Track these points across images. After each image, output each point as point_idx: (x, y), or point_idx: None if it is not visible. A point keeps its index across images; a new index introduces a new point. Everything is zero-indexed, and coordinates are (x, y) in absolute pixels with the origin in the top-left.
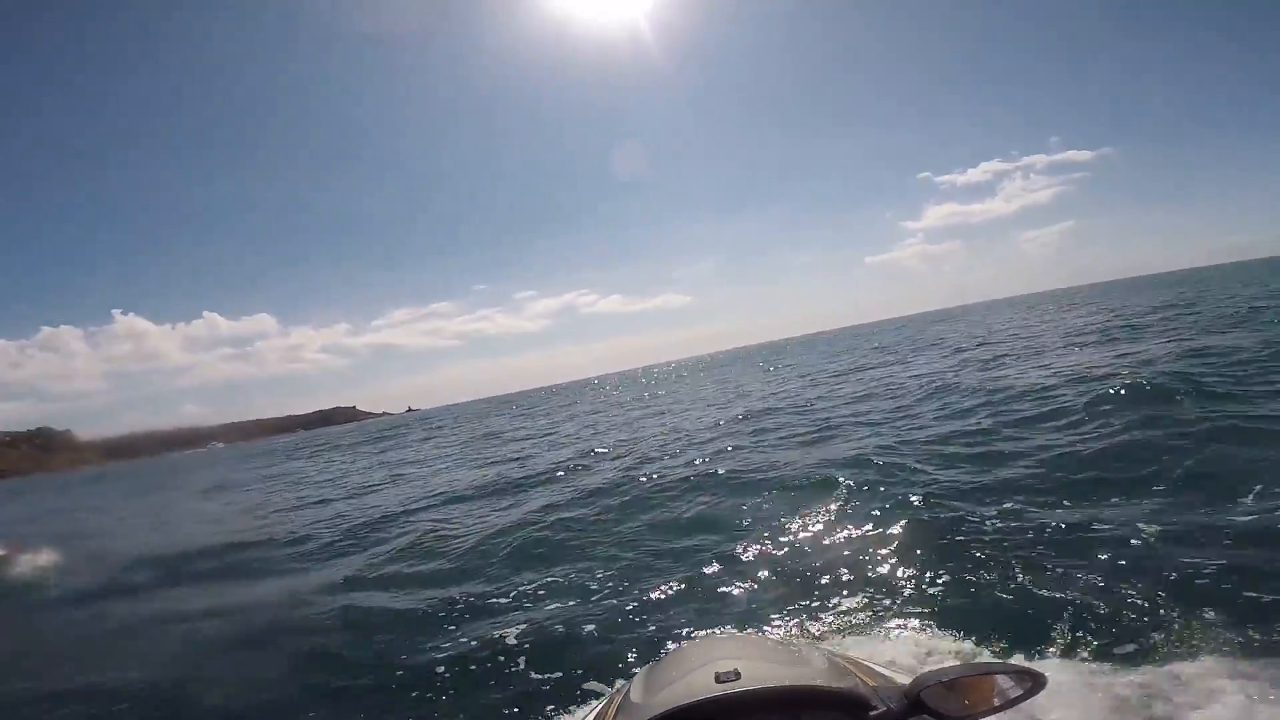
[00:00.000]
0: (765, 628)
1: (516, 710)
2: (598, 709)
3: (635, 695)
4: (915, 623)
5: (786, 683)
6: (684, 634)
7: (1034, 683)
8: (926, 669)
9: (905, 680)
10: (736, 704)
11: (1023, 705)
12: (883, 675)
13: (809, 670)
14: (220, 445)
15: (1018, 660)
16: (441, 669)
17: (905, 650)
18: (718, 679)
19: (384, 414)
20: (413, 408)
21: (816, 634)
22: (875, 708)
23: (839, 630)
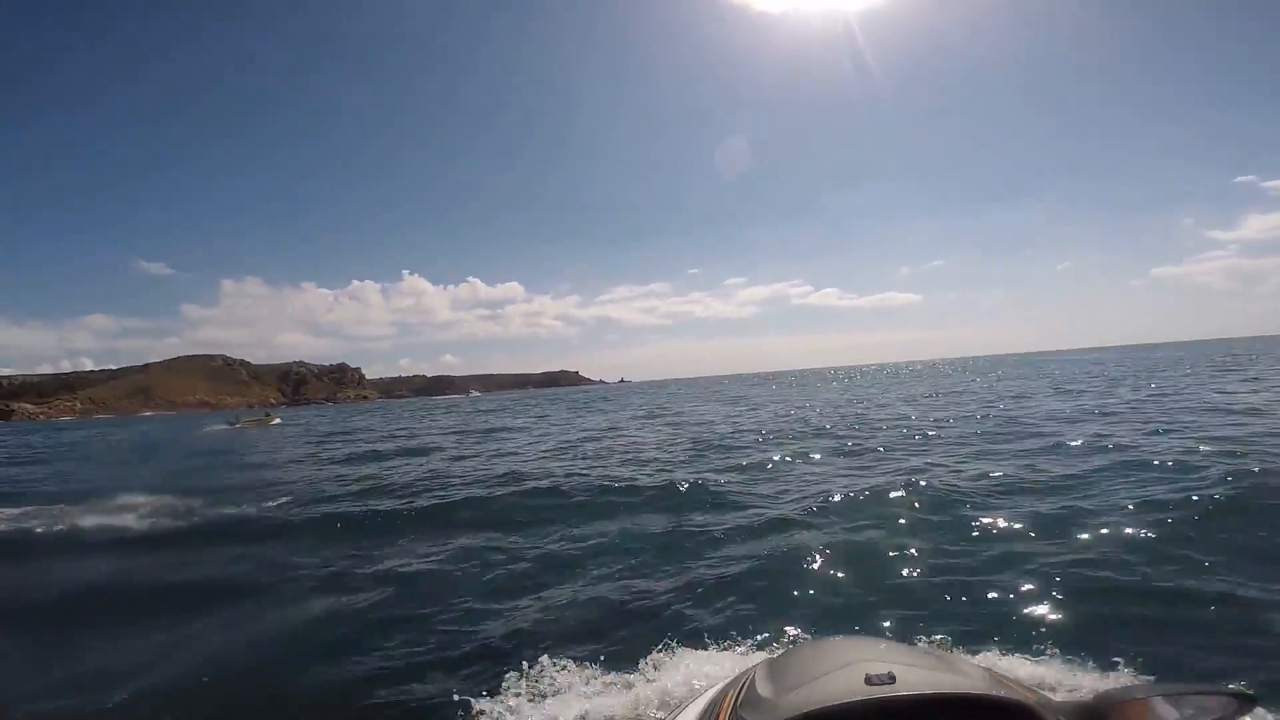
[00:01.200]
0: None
1: None
2: (710, 696)
3: (764, 689)
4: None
5: (948, 689)
6: (802, 634)
7: (1242, 703)
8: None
9: (1076, 700)
10: (895, 707)
11: None
12: (1045, 695)
13: (968, 680)
14: (476, 393)
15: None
16: None
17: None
18: (869, 680)
19: (600, 381)
20: (625, 379)
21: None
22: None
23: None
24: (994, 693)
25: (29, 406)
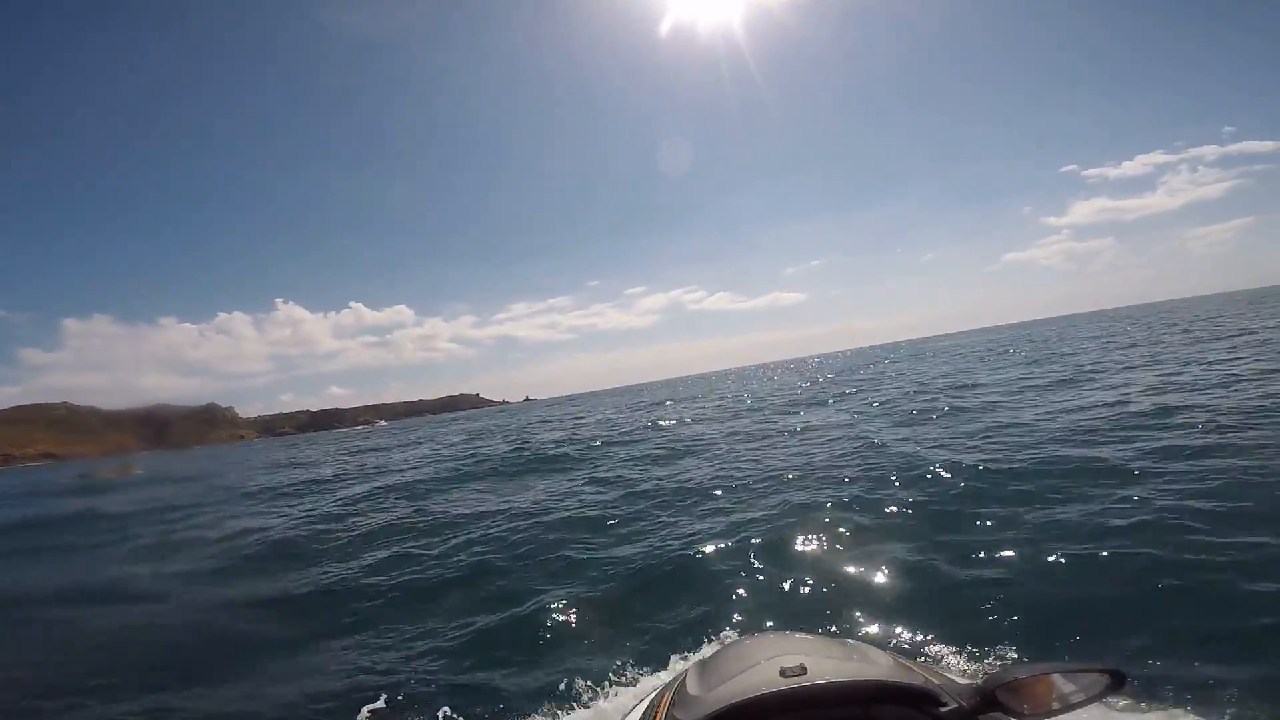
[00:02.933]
0: (823, 629)
1: None
2: (649, 700)
3: (692, 688)
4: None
5: (854, 678)
6: (735, 632)
7: (1112, 680)
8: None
9: (969, 683)
10: (804, 698)
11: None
12: (946, 676)
13: (874, 668)
14: (384, 423)
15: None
16: None
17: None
18: (783, 673)
19: (504, 402)
20: (530, 398)
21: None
22: (945, 703)
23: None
24: (897, 679)
25: None
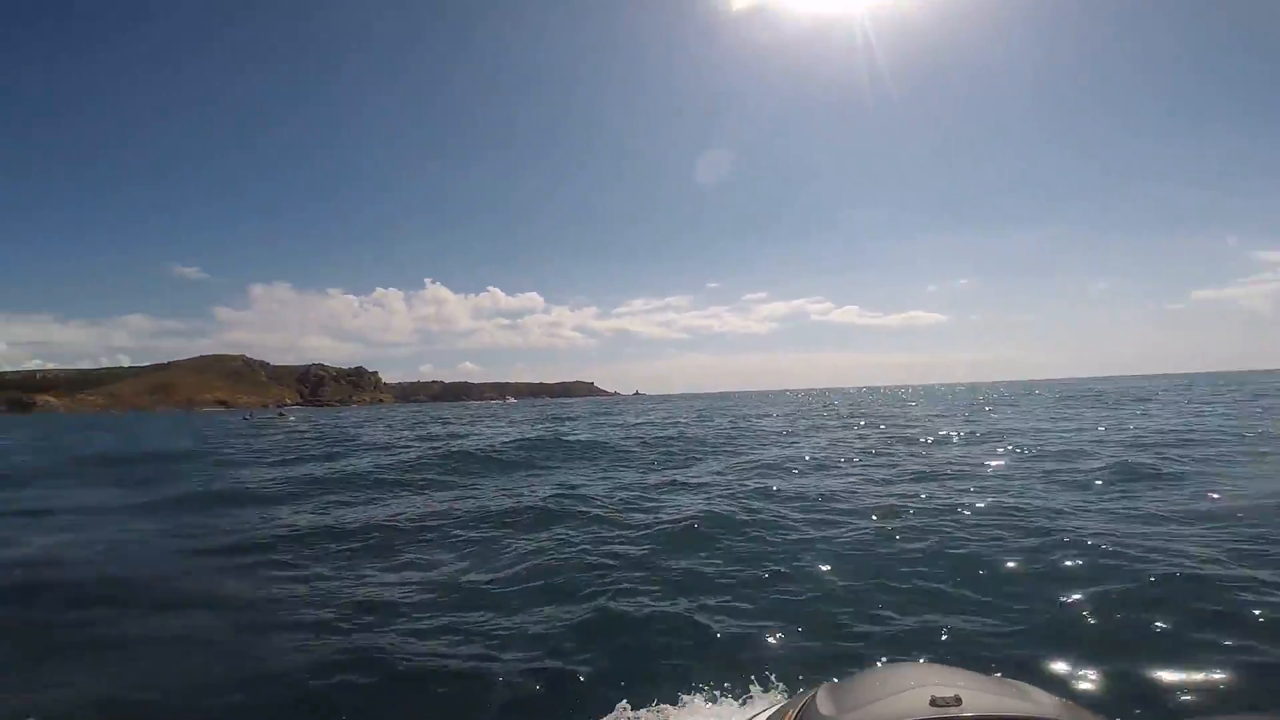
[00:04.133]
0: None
1: None
2: (766, 714)
3: (824, 708)
4: None
5: (1016, 713)
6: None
7: None
8: None
9: None
10: None
11: None
12: None
13: (1039, 707)
14: (513, 400)
15: None
16: None
17: None
18: (934, 702)
19: (615, 393)
20: (640, 391)
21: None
22: None
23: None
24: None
25: (52, 400)
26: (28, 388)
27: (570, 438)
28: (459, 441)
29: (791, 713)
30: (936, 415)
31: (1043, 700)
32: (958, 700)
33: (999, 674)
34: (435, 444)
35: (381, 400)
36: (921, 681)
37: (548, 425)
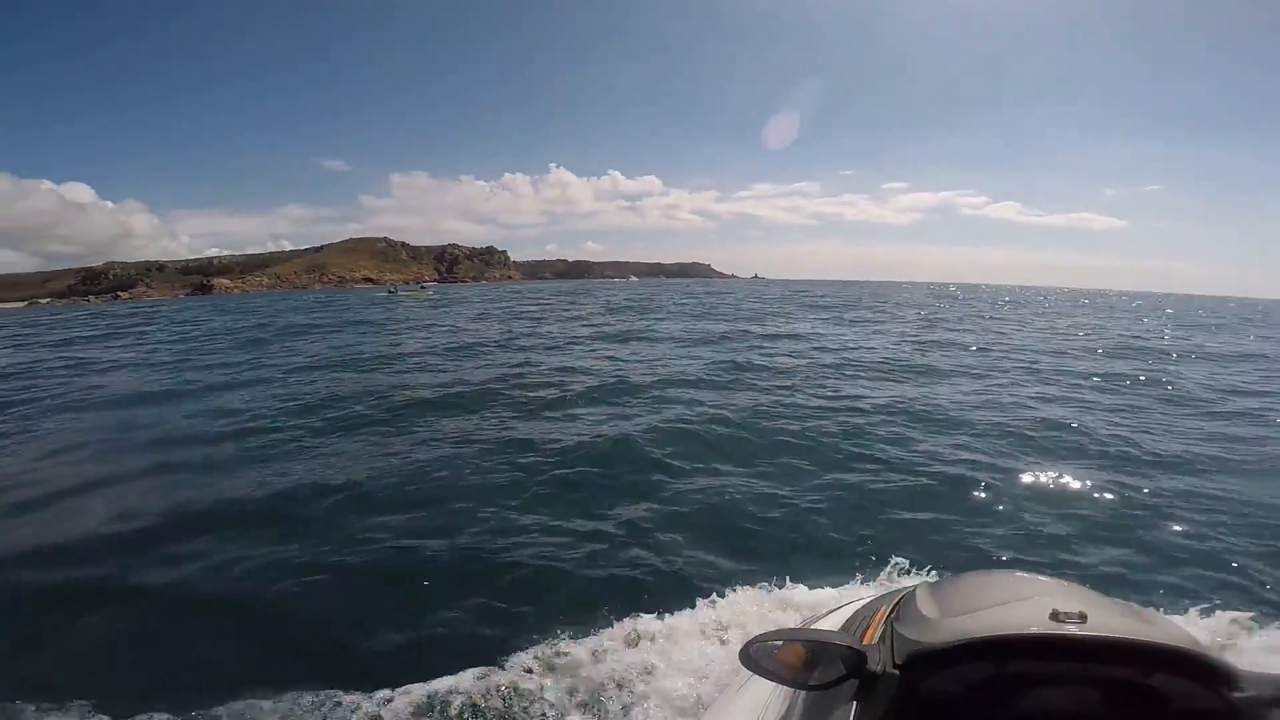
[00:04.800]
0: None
1: None
2: (855, 609)
3: (926, 608)
4: None
5: (1149, 638)
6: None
7: None
8: None
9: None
10: (1081, 648)
11: None
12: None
13: (1160, 631)
14: (635, 279)
15: None
16: None
17: None
18: (1055, 616)
19: (733, 276)
20: (759, 275)
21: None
22: (1244, 689)
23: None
24: (1202, 651)
25: (226, 282)
26: (207, 272)
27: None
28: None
29: (886, 608)
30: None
31: (1168, 627)
32: (1083, 617)
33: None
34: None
35: (510, 277)
36: (1034, 593)
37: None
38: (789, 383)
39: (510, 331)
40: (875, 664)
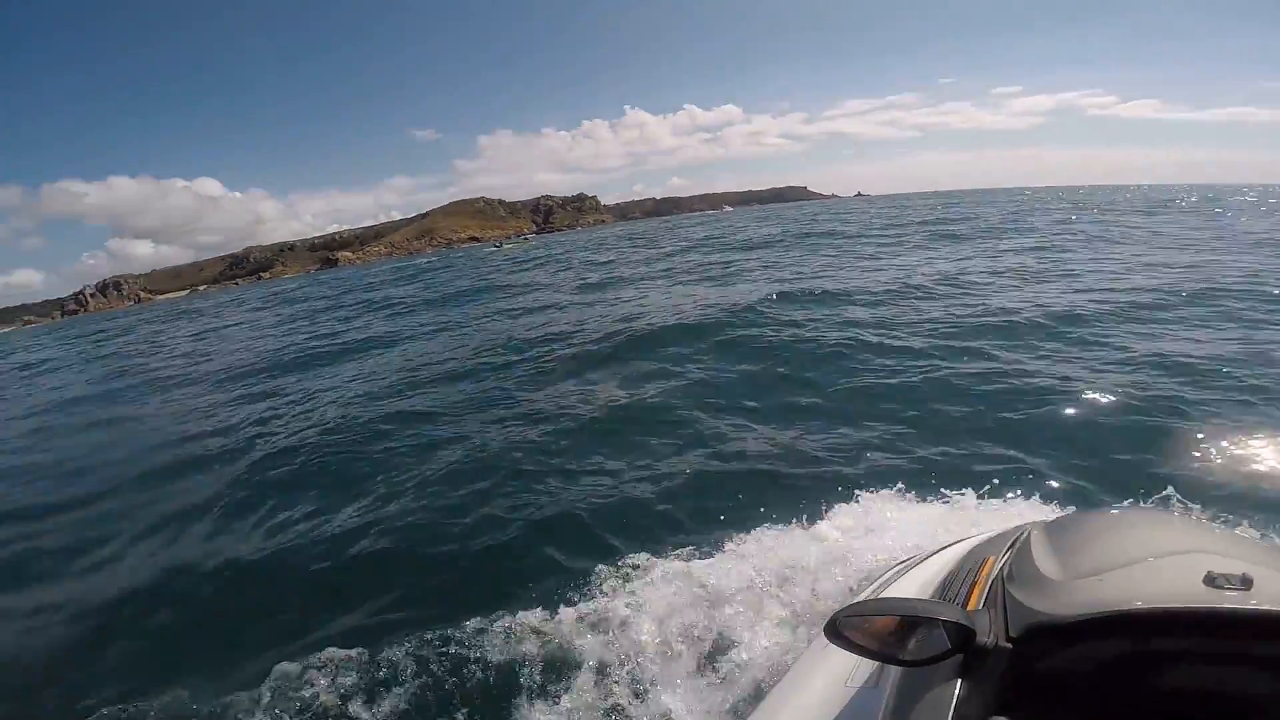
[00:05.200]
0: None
1: None
2: (957, 555)
3: (1045, 564)
4: None
5: None
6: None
7: None
8: None
9: None
10: (1255, 623)
11: None
12: None
13: None
14: (730, 209)
15: None
16: None
17: None
18: (1211, 581)
19: (833, 196)
20: (862, 193)
21: None
22: None
23: None
24: None
25: (348, 254)
26: (331, 247)
27: None
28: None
29: (995, 560)
30: None
31: None
32: (1246, 582)
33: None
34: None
35: (603, 221)
36: (1184, 544)
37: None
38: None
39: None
40: (986, 636)
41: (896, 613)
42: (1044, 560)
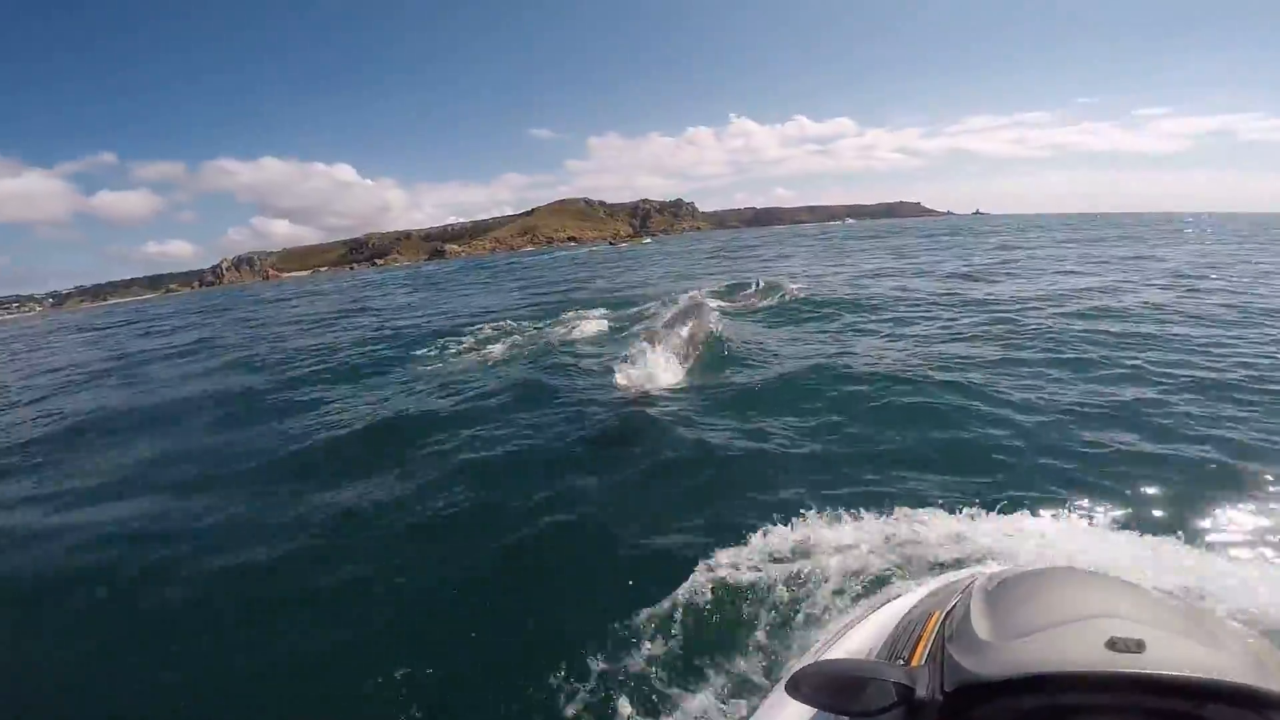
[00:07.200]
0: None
1: None
2: (903, 609)
3: (979, 626)
4: None
5: (1206, 672)
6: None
7: None
8: None
9: None
10: (1136, 685)
11: None
12: None
13: (1226, 655)
14: (852, 221)
15: None
16: None
17: None
18: (1113, 645)
19: (948, 213)
20: (980, 210)
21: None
22: None
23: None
24: (1260, 685)
25: (455, 247)
26: (442, 239)
27: None
28: None
29: (939, 615)
30: None
31: (1233, 646)
32: (1140, 645)
33: (1177, 596)
34: None
35: (698, 227)
36: (1095, 608)
37: None
38: None
39: None
40: (924, 690)
41: (849, 673)
42: (978, 621)
